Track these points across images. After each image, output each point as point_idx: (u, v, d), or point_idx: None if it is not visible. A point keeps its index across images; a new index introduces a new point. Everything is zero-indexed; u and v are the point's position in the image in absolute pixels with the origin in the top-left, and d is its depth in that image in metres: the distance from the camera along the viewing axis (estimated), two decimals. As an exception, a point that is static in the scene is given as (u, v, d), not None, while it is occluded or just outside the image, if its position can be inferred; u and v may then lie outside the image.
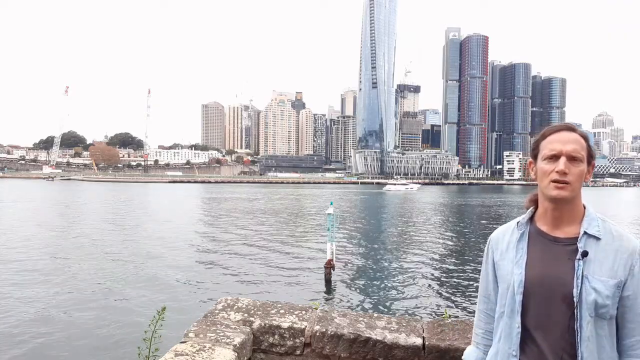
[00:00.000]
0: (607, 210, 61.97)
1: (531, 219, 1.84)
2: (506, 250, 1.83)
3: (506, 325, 1.77)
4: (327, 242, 20.83)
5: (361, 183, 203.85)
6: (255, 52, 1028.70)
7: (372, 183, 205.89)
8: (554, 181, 1.66)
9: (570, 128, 1.73)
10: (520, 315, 1.71)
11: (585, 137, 1.73)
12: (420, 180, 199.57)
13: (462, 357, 2.04)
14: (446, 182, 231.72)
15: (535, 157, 1.79)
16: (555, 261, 1.68)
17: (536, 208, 1.83)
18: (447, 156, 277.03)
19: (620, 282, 1.60)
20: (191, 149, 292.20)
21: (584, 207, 1.75)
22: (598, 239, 1.66)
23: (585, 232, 1.67)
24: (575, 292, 1.60)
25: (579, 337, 1.59)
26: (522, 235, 1.80)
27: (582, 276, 1.61)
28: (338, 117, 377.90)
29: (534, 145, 1.80)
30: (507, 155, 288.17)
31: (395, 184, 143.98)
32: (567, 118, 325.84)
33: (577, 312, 1.60)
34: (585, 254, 1.63)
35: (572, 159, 1.66)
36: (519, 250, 1.78)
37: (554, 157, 1.68)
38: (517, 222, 1.86)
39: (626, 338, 1.64)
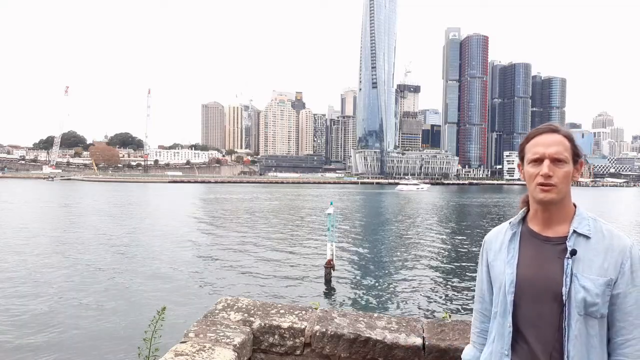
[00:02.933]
0: (607, 211, 61.93)
1: (524, 219, 1.86)
2: (499, 251, 1.85)
3: (499, 325, 1.79)
4: (327, 242, 20.83)
5: (361, 183, 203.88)
6: (255, 52, 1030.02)
7: (372, 183, 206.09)
8: (540, 184, 1.68)
9: (553, 129, 1.74)
10: (512, 315, 1.72)
11: (569, 138, 1.73)
12: (422, 181, 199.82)
13: (461, 356, 2.06)
14: (446, 182, 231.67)
15: (522, 159, 1.80)
16: (546, 260, 1.70)
17: (529, 209, 1.85)
18: (447, 156, 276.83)
19: (611, 281, 1.61)
20: (191, 149, 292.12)
21: (575, 207, 1.77)
22: (588, 237, 1.67)
23: (574, 231, 1.69)
24: (564, 290, 1.62)
25: (566, 335, 1.61)
26: (514, 236, 1.82)
27: (571, 274, 1.63)
28: (338, 117, 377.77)
29: (520, 149, 1.82)
30: (507, 155, 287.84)
31: (407, 184, 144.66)
32: (567, 118, 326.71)
33: (565, 310, 1.61)
34: (573, 252, 1.64)
35: (555, 160, 1.67)
36: (511, 250, 1.80)
37: (538, 161, 1.69)
38: (510, 223, 1.88)
39: (615, 337, 1.64)
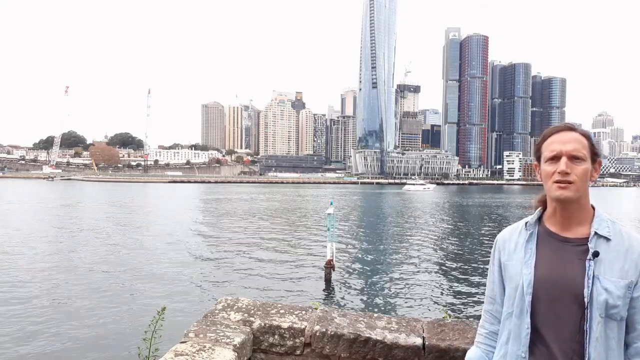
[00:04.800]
0: (609, 211, 61.83)
1: (540, 219, 1.83)
2: (514, 251, 1.82)
3: (515, 326, 1.74)
4: (327, 242, 20.83)
5: (361, 183, 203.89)
6: (255, 52, 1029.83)
7: (372, 183, 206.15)
8: (557, 182, 1.66)
9: (570, 128, 1.73)
10: (530, 316, 1.70)
11: (586, 136, 1.73)
12: (427, 180, 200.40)
13: (466, 358, 2.02)
14: (446, 182, 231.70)
15: (539, 159, 1.79)
16: (566, 261, 1.68)
17: (544, 209, 1.82)
18: (447, 156, 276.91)
19: (631, 283, 1.60)
20: (191, 149, 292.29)
21: (593, 208, 1.75)
22: (608, 239, 1.65)
23: (595, 233, 1.66)
24: (586, 292, 1.60)
25: (587, 337, 1.58)
26: (531, 236, 1.79)
27: (593, 276, 1.60)
28: (338, 117, 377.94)
29: (537, 148, 1.81)
30: (507, 155, 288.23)
31: (414, 184, 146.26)
32: (567, 118, 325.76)
33: (587, 313, 1.59)
34: (596, 254, 1.62)
35: (573, 158, 1.66)
36: (528, 250, 1.77)
37: (555, 158, 1.68)
38: (526, 223, 1.84)
39: (636, 341, 1.62)
